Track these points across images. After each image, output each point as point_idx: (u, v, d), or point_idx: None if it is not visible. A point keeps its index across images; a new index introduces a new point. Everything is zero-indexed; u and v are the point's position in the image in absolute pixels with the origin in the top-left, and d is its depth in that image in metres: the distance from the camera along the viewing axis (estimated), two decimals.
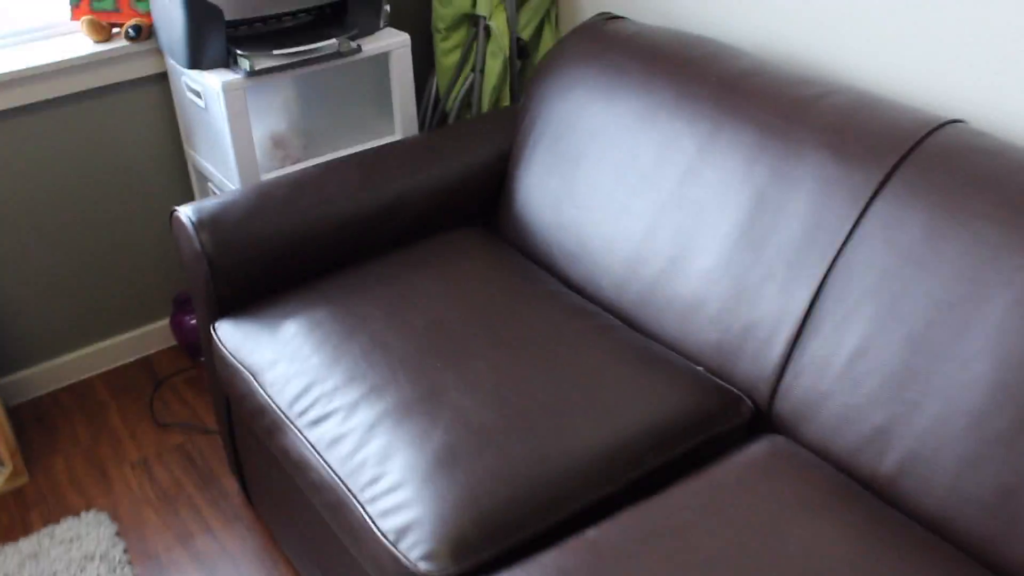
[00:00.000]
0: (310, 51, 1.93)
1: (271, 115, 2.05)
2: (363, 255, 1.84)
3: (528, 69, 2.38)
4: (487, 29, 2.27)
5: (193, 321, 2.31)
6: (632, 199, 1.70)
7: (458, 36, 2.34)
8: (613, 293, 1.71)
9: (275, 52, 1.89)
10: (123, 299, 2.34)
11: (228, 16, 1.87)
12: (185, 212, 1.69)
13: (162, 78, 2.21)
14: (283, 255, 1.72)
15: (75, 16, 2.11)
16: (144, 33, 2.10)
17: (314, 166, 1.84)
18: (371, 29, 2.08)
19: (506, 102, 2.35)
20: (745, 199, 1.53)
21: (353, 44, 1.98)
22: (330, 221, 1.76)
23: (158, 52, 2.15)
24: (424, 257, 1.79)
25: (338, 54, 1.97)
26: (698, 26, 2.01)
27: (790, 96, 1.55)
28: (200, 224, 1.66)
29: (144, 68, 2.16)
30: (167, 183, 2.30)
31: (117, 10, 2.12)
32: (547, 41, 2.35)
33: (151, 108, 2.21)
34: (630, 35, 1.87)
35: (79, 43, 2.09)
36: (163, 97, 2.22)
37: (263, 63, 1.89)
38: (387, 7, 2.08)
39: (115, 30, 2.14)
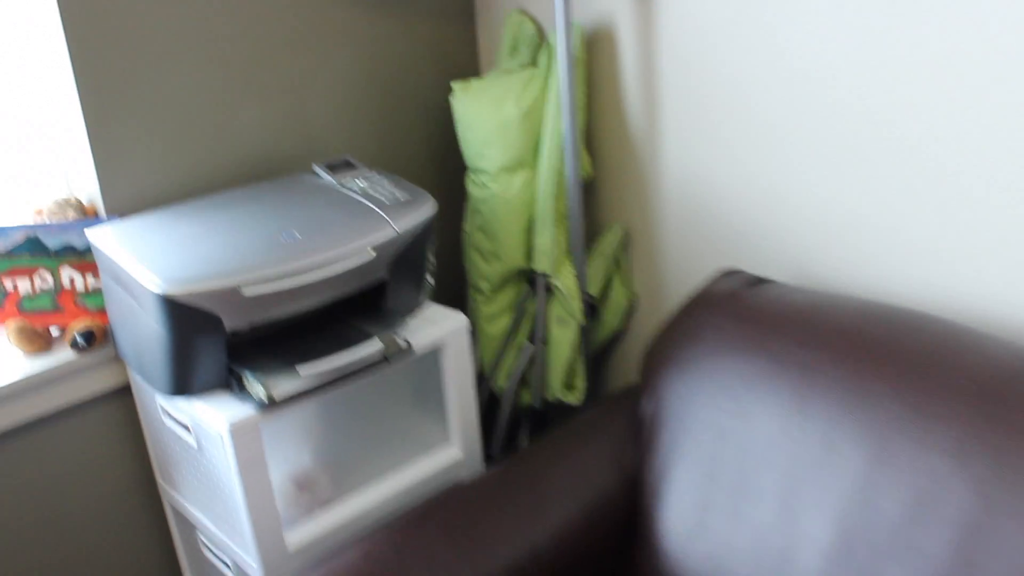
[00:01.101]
0: (349, 365, 1.37)
1: (290, 448, 1.46)
2: None
3: (599, 331, 1.86)
4: (548, 289, 1.76)
5: None
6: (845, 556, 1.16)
7: (506, 298, 1.82)
8: None
9: (300, 370, 1.32)
10: None
11: (230, 326, 1.31)
12: None
13: (123, 393, 1.61)
14: None
15: None
16: (98, 339, 1.52)
17: (377, 538, 1.25)
18: (410, 308, 1.55)
19: (580, 380, 1.81)
20: None
21: (401, 341, 1.43)
22: None
23: (117, 360, 1.57)
24: None
25: (383, 359, 1.41)
26: (847, 280, 1.53)
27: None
28: None
29: (97, 384, 1.57)
30: (134, 531, 1.67)
31: (57, 309, 1.54)
32: (618, 298, 1.85)
33: (109, 435, 1.61)
34: (779, 304, 1.38)
35: (5, 357, 1.49)
36: (125, 417, 1.62)
37: (285, 387, 1.32)
38: (431, 279, 1.55)
39: (55, 333, 1.55)
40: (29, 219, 1.60)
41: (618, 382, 1.98)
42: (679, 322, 1.47)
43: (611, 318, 1.86)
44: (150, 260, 1.31)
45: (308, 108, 1.74)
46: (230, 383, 1.37)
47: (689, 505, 1.34)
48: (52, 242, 1.52)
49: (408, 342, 1.45)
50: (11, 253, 1.51)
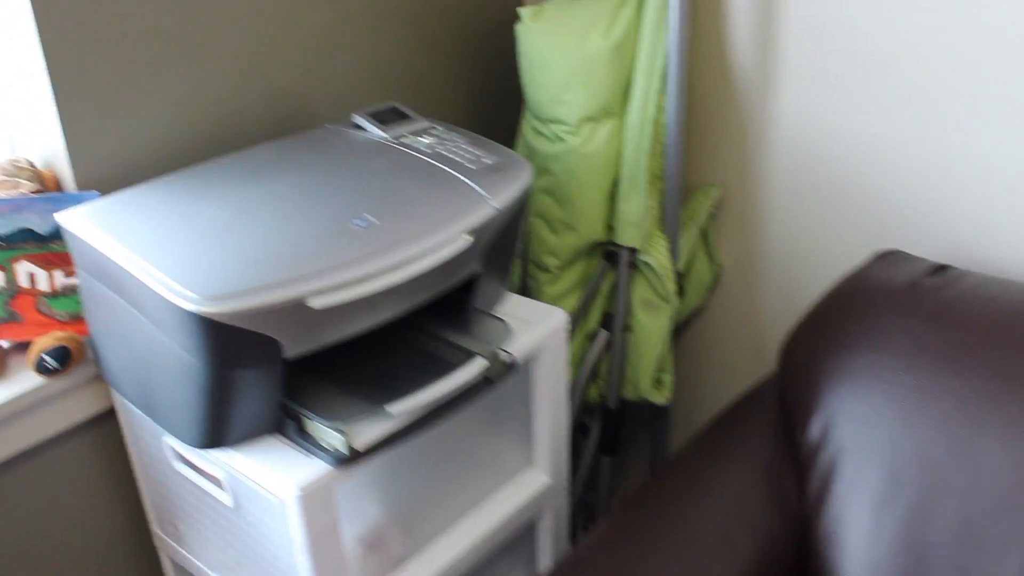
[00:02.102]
0: (450, 394, 1.01)
1: (358, 504, 1.09)
2: None
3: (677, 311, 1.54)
4: (632, 265, 1.42)
5: None
6: None
7: (575, 274, 1.48)
8: None
9: (390, 408, 0.96)
10: None
11: (291, 352, 0.93)
12: None
13: (105, 419, 1.22)
14: None
15: None
16: (75, 359, 1.11)
17: None
18: (494, 304, 1.19)
19: (669, 375, 1.49)
20: None
21: (504, 355, 1.08)
22: None
23: (97, 380, 1.17)
24: None
25: (486, 381, 1.06)
26: (1017, 266, 1.25)
27: None
28: None
29: (69, 415, 1.17)
30: None
31: (11, 318, 1.12)
32: (702, 271, 1.53)
33: (82, 475, 1.22)
34: (983, 300, 1.09)
35: None
36: (105, 449, 1.23)
37: (370, 433, 0.96)
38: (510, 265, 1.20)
39: (4, 345, 1.15)
40: None
41: (694, 370, 1.67)
42: (835, 317, 1.16)
43: (692, 295, 1.55)
44: (165, 259, 0.91)
45: (328, 38, 1.33)
46: (283, 426, 0.99)
47: (888, 563, 1.05)
48: (3, 225, 1.10)
49: (511, 355, 1.09)
50: None
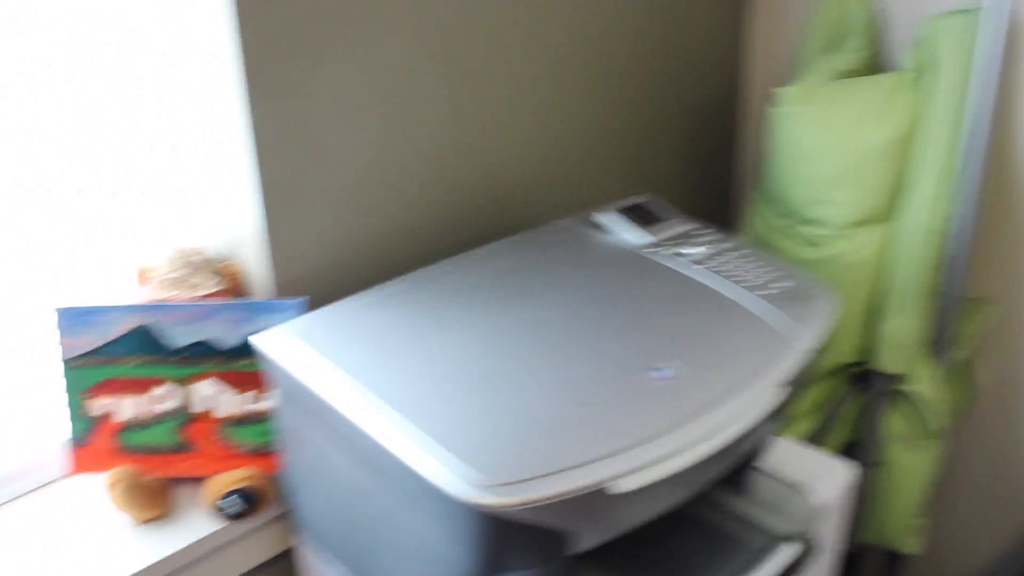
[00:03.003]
0: None
1: None
2: None
3: None
4: (889, 394, 1.19)
5: None
6: None
7: (815, 395, 1.25)
8: None
9: None
10: None
11: (578, 547, 0.71)
12: None
13: (278, 560, 1.00)
14: None
15: (77, 465, 0.90)
16: (261, 503, 0.90)
17: None
18: (762, 455, 0.96)
19: (925, 520, 1.24)
20: None
21: (805, 531, 0.84)
22: None
23: (279, 520, 0.95)
24: None
25: (794, 569, 0.83)
26: None
27: None
28: None
29: (247, 558, 0.95)
30: None
31: (182, 447, 0.91)
32: (950, 396, 1.28)
33: None
34: None
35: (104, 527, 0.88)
36: None
37: None
38: None
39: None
40: (132, 287, 0.96)
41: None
42: None
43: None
44: (421, 419, 0.69)
45: (551, 126, 1.12)
46: None
47: None
48: (179, 335, 0.89)
49: (815, 539, 0.86)
50: (107, 353, 0.88)
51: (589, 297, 0.85)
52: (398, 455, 0.68)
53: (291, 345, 0.79)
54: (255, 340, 0.81)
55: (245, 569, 0.96)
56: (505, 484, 0.66)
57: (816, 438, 1.26)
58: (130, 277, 0.96)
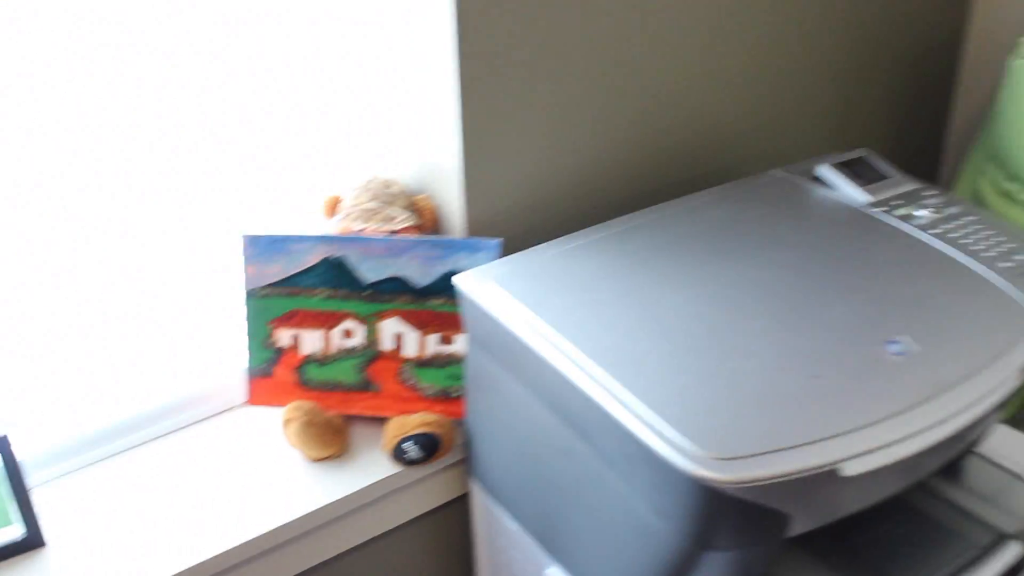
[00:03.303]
0: None
1: None
2: None
3: None
4: None
5: None
6: None
7: None
8: None
9: None
10: None
11: (796, 530, 0.65)
12: None
13: (451, 505, 0.99)
14: None
15: (255, 396, 0.89)
16: (442, 450, 0.87)
17: None
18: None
19: None
20: None
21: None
22: None
23: (456, 466, 0.92)
24: None
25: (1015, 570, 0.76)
26: None
27: None
28: None
29: (420, 503, 0.94)
30: None
31: (364, 386, 0.89)
32: None
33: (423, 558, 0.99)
34: None
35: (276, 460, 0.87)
36: (448, 534, 1.00)
37: None
38: None
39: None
40: (317, 217, 0.94)
41: None
42: None
43: None
44: (637, 382, 0.65)
45: (760, 73, 1.04)
46: None
47: None
48: (371, 270, 0.87)
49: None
50: (295, 284, 0.86)
51: (813, 257, 0.78)
52: (618, 417, 0.63)
53: (490, 289, 0.75)
54: (457, 280, 0.78)
55: (417, 513, 0.94)
56: (730, 459, 0.60)
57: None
58: (316, 207, 0.94)
